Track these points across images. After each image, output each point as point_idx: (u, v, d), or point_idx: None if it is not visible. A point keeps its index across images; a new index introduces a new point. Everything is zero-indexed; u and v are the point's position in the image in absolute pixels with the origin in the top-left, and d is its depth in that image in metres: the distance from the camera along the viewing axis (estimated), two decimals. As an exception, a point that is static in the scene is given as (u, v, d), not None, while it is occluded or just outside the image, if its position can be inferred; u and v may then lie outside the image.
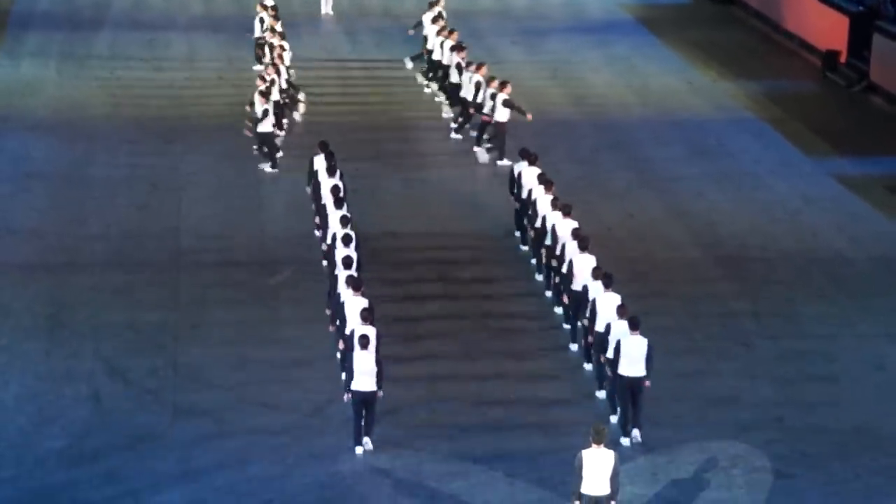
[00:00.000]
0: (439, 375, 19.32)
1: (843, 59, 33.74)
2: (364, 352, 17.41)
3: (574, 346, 20.03)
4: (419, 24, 31.70)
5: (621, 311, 18.07)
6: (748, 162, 27.71)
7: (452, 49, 29.33)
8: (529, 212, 22.05)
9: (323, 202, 22.07)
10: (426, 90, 30.74)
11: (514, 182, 22.84)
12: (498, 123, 26.73)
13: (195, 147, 27.75)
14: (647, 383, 17.72)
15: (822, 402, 18.93)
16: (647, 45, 35.73)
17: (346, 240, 20.26)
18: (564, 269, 20.06)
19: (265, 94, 26.22)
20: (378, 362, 17.43)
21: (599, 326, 18.50)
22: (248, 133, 26.25)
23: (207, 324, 20.59)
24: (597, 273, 19.10)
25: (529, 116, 26.99)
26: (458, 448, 17.53)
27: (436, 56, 30.13)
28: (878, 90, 32.19)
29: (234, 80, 31.94)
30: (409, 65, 32.48)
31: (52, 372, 19.09)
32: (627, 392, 17.74)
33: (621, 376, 17.75)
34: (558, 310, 20.82)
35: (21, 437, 17.53)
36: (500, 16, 38.38)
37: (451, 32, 30.03)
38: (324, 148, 23.24)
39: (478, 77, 27.46)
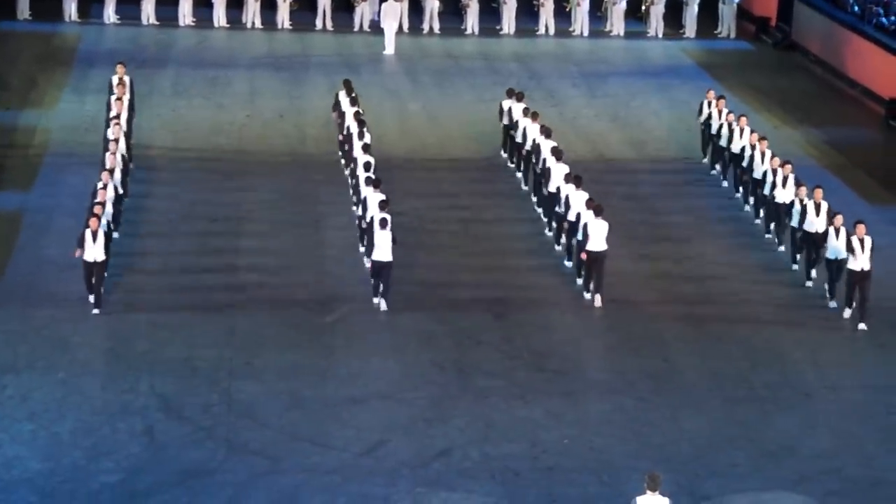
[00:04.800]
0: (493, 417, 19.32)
1: (907, 107, 33.63)
2: (383, 231, 22.17)
3: (558, 247, 24.74)
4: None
5: (588, 204, 23.00)
6: (809, 209, 27.49)
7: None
8: (517, 139, 28.07)
9: (347, 124, 27.65)
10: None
11: (504, 114, 29.10)
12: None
13: (254, 184, 27.91)
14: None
15: (882, 454, 18.69)
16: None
17: (365, 148, 25.81)
18: (541, 171, 25.86)
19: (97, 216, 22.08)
20: (393, 239, 22.14)
21: (571, 216, 23.59)
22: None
23: (263, 361, 20.64)
24: (568, 177, 24.29)
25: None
26: (511, 491, 17.45)
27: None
28: (942, 140, 32.07)
29: (294, 119, 32.13)
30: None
31: (107, 406, 19.19)
32: (592, 262, 22.74)
33: (589, 251, 22.61)
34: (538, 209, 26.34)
35: (75, 471, 17.61)
36: (561, 59, 38.41)
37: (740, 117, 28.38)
38: (346, 84, 29.20)
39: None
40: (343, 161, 27.98)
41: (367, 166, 24.97)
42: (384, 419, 19.10)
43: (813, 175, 28.30)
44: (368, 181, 24.06)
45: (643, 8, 41.33)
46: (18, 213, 25.74)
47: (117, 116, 26.77)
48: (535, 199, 26.90)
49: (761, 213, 26.39)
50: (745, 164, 27.09)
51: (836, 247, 22.77)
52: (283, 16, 40.18)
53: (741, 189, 27.53)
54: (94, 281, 21.95)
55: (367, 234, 23.15)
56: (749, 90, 35.82)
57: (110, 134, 25.97)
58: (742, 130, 27.78)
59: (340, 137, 28.50)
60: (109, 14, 39.68)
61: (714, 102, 29.36)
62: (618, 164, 29.98)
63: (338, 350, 21.10)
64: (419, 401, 19.66)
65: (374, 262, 22.43)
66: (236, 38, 39.13)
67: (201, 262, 24.12)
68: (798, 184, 24.62)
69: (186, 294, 22.81)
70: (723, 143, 28.36)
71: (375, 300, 22.51)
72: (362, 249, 23.88)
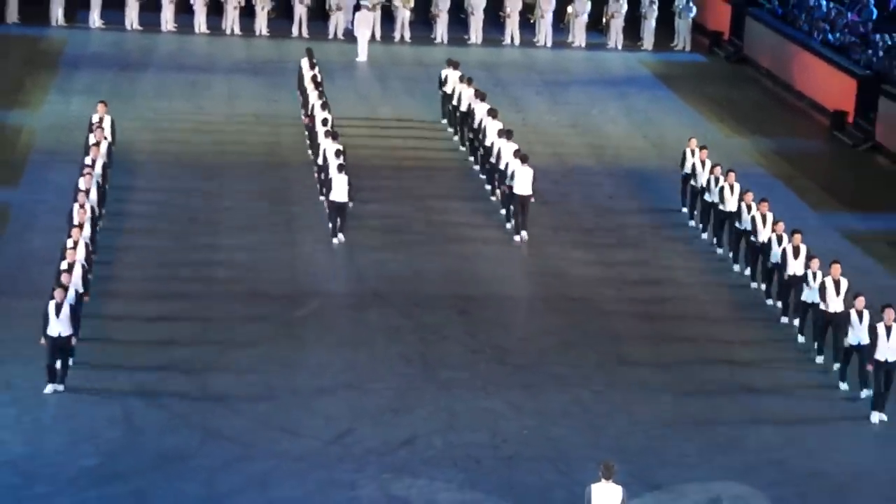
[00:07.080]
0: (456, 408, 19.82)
1: (850, 119, 34.36)
2: (340, 175, 24.98)
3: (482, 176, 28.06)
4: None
5: (516, 153, 26.15)
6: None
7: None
8: (454, 102, 31.15)
9: (305, 86, 30.80)
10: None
11: (442, 83, 32.09)
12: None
13: (231, 183, 28.26)
14: (533, 199, 25.96)
15: (822, 448, 19.31)
16: (664, 100, 36.21)
17: (324, 106, 28.54)
18: (477, 127, 29.13)
19: (64, 286, 19.66)
20: (349, 183, 24.91)
21: (502, 165, 26.57)
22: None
23: (236, 352, 21.03)
24: (500, 133, 27.32)
25: None
26: (472, 478, 17.93)
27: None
28: (882, 150, 32.86)
29: (270, 121, 32.54)
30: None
31: (88, 393, 19.53)
32: (519, 205, 25.84)
33: (515, 195, 25.88)
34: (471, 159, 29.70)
35: (56, 455, 17.94)
36: (525, 68, 38.94)
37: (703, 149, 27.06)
38: (308, 52, 32.43)
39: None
40: (304, 121, 30.20)
41: (324, 122, 27.51)
42: (352, 408, 19.49)
43: (762, 183, 28.74)
44: (327, 134, 26.78)
45: (604, 21, 42.00)
46: (5, 208, 26.03)
47: (91, 165, 24.58)
48: (472, 158, 29.69)
49: (759, 276, 23.95)
50: (744, 225, 24.26)
51: (858, 333, 19.85)
52: (261, 23, 40.49)
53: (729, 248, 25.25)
54: (59, 360, 19.44)
55: (325, 178, 25.82)
56: (703, 100, 36.41)
57: (81, 184, 23.43)
58: (732, 188, 25.19)
59: (301, 99, 31.33)
60: (95, 19, 39.89)
61: (697, 152, 26.84)
62: (577, 168, 30.48)
63: (308, 343, 21.47)
64: (386, 391, 20.06)
65: (331, 203, 25.01)
66: (216, 43, 39.32)
67: (179, 257, 24.47)
68: (810, 256, 22.00)
69: (164, 288, 23.16)
70: (712, 198, 25.72)
71: (335, 240, 25.03)
72: (322, 197, 26.52)
